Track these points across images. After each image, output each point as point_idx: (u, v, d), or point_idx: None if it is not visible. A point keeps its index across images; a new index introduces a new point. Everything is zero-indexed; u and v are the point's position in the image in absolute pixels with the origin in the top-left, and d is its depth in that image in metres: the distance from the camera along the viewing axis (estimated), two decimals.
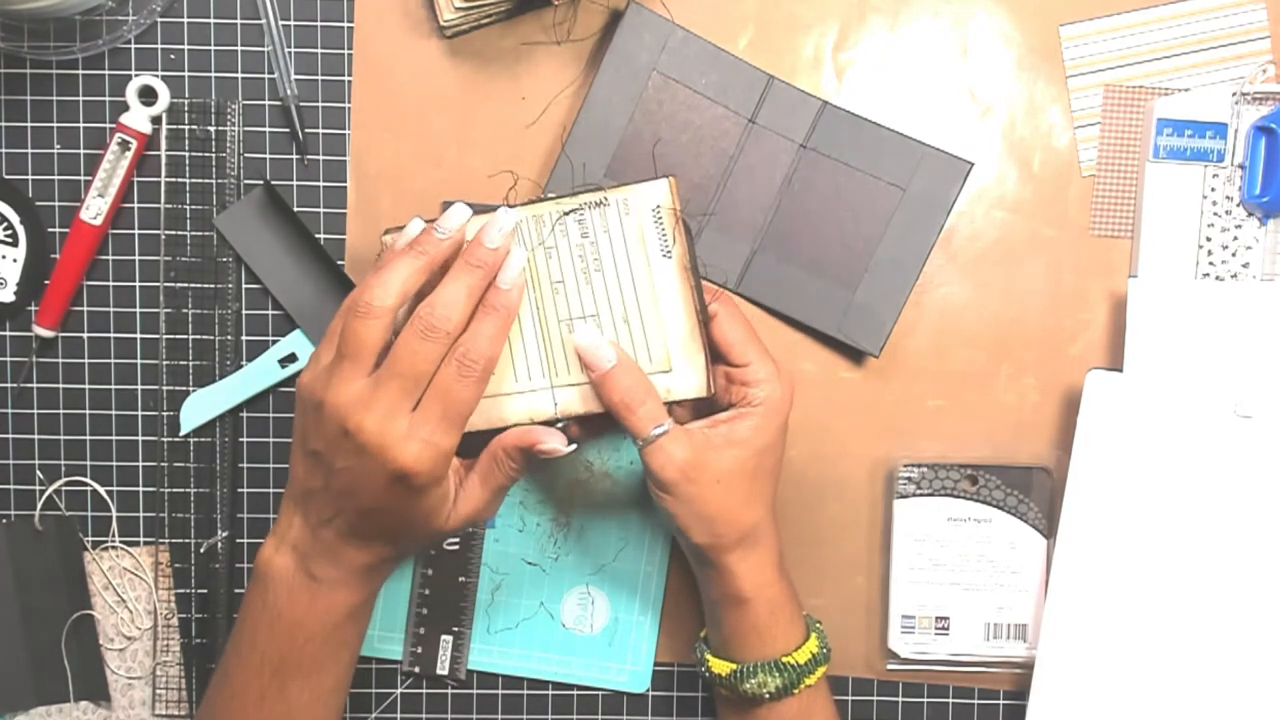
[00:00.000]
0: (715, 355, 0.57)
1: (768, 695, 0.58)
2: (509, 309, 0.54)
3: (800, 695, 0.58)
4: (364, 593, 0.56)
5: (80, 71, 0.65)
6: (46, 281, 0.66)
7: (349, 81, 0.66)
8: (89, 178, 0.65)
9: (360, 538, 0.54)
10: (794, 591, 0.60)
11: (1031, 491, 0.66)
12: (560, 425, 0.56)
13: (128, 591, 0.68)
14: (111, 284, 0.66)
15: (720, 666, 0.59)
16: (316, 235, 0.66)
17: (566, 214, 0.56)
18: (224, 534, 0.67)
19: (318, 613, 0.55)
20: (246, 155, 0.66)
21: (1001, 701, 0.68)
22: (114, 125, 0.64)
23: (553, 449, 0.54)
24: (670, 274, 0.55)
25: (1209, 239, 0.65)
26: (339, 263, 0.66)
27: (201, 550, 0.67)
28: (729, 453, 0.56)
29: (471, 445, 0.56)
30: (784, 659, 0.58)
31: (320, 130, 0.66)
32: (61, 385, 0.67)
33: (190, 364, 0.67)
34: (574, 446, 0.55)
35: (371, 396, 0.51)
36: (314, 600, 0.54)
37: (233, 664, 0.56)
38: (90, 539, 0.68)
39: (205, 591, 0.67)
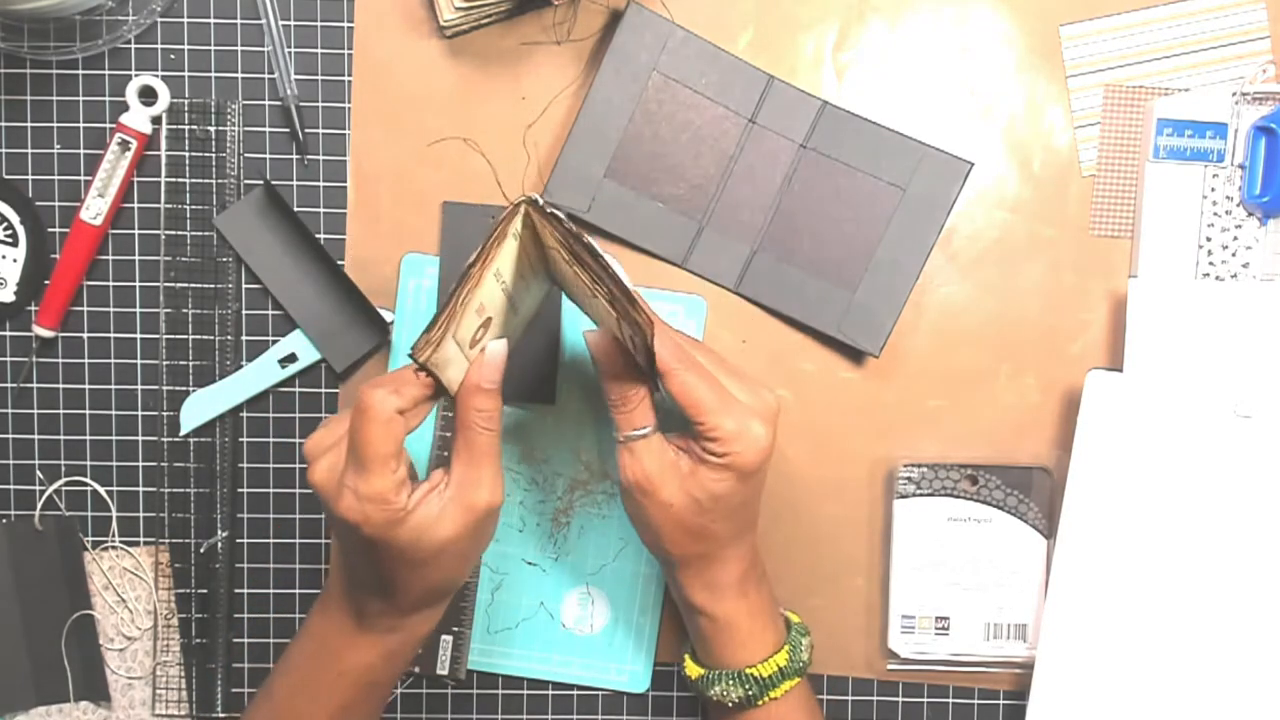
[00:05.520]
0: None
1: (731, 704, 0.58)
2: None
3: (766, 707, 0.58)
4: (383, 646, 0.55)
5: (80, 71, 0.65)
6: (46, 281, 0.66)
7: (349, 81, 0.66)
8: (89, 178, 0.65)
9: (357, 587, 0.54)
10: (765, 604, 0.58)
11: (1031, 491, 0.66)
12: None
13: (128, 591, 0.68)
14: (111, 284, 0.66)
15: (692, 670, 0.60)
16: (316, 235, 0.66)
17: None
18: (224, 534, 0.67)
19: (358, 648, 0.55)
20: (246, 155, 0.66)
21: (1001, 701, 0.68)
22: (114, 125, 0.64)
23: (493, 369, 0.52)
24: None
25: (1209, 239, 0.65)
26: (339, 263, 0.66)
27: (201, 550, 0.67)
28: (686, 486, 0.54)
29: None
30: (747, 670, 0.57)
31: (320, 130, 0.66)
32: (61, 385, 0.67)
33: (190, 364, 0.67)
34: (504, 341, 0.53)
35: (330, 451, 0.52)
36: (353, 638, 0.55)
37: (278, 685, 0.57)
38: (90, 539, 0.68)
39: (205, 591, 0.67)
